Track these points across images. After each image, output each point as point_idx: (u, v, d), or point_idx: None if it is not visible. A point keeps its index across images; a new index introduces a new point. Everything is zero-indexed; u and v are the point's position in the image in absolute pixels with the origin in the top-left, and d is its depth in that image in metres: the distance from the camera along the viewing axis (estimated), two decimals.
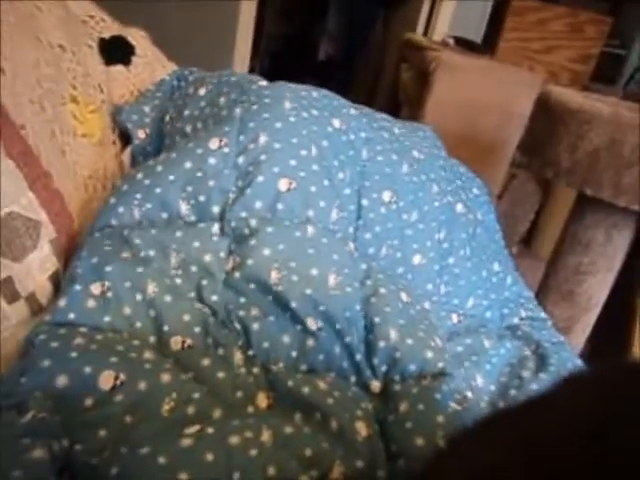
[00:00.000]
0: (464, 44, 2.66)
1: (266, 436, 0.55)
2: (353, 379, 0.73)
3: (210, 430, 0.53)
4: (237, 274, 0.77)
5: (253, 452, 0.52)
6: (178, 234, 0.79)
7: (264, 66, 3.52)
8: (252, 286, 0.76)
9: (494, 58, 2.67)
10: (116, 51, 1.21)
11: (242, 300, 0.75)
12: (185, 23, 2.45)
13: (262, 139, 0.89)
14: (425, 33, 2.84)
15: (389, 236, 0.93)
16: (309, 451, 0.56)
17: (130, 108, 1.09)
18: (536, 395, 0.39)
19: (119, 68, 1.21)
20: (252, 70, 3.06)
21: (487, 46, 2.73)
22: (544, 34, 2.71)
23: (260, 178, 0.86)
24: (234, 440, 0.53)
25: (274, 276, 0.76)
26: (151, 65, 1.29)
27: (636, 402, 0.29)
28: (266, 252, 0.78)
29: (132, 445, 0.51)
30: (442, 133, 2.24)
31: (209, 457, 0.50)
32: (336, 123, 0.98)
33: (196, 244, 0.78)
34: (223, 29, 2.58)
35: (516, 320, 1.04)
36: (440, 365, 0.74)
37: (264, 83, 1.02)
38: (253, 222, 0.82)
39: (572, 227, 1.56)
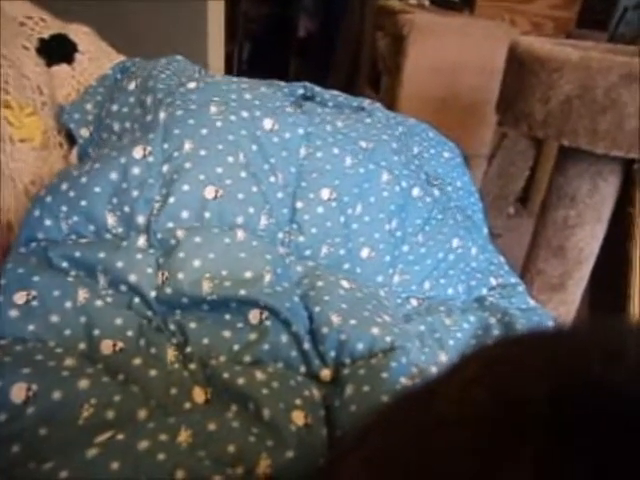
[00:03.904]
0: (440, 3, 2.58)
1: (183, 436, 0.53)
2: (302, 369, 0.72)
3: (120, 436, 0.51)
4: (168, 290, 0.75)
5: (161, 456, 0.50)
6: (101, 255, 0.76)
7: (244, 49, 3.46)
8: (185, 300, 0.75)
9: (473, 14, 2.58)
10: (57, 50, 1.17)
11: (177, 312, 0.75)
12: (153, 14, 2.40)
13: (187, 146, 0.87)
14: None
15: (329, 235, 0.90)
16: (232, 447, 0.54)
17: (72, 107, 1.06)
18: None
19: (62, 67, 1.18)
20: (230, 54, 3.01)
21: (465, 3, 2.64)
22: None
23: (185, 187, 0.84)
24: (143, 445, 0.50)
25: (206, 286, 0.75)
26: (97, 61, 1.25)
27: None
28: (196, 263, 0.77)
29: (39, 460, 0.49)
30: (422, 98, 2.20)
31: (115, 466, 0.48)
32: (267, 124, 0.95)
33: (119, 264, 0.76)
34: (193, 14, 2.53)
35: (485, 291, 1.01)
36: (388, 339, 0.71)
37: (192, 85, 0.98)
38: (179, 233, 0.80)
39: (557, 180, 1.51)
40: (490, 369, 0.29)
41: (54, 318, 0.68)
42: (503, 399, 0.26)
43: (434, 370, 0.76)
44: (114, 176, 0.83)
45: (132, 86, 1.01)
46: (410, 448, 0.28)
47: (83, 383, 0.58)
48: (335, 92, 1.22)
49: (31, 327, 0.66)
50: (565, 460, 0.22)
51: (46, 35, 1.17)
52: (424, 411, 0.29)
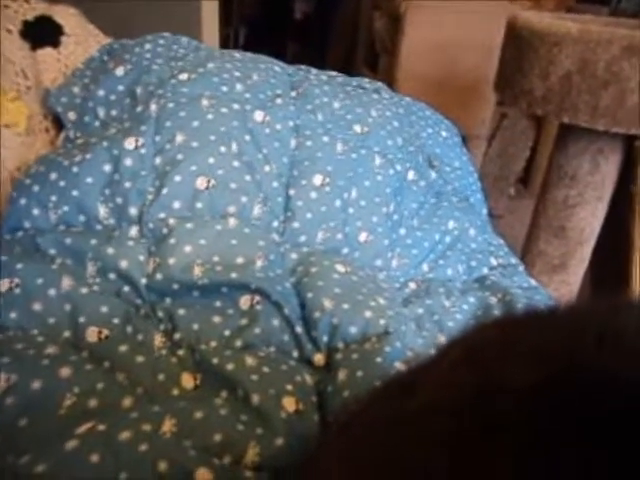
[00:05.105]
0: None
1: (168, 426, 0.51)
2: (295, 354, 0.70)
3: (101, 427, 0.49)
4: (159, 276, 0.74)
5: (143, 447, 0.48)
6: (93, 242, 0.76)
7: (240, 33, 3.41)
8: (176, 286, 0.74)
9: None
10: (42, 33, 1.14)
11: (167, 299, 0.74)
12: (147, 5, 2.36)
13: (179, 138, 0.88)
14: None
15: (325, 219, 0.90)
16: (219, 436, 0.52)
17: (58, 91, 1.03)
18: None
19: (48, 50, 1.15)
20: (226, 38, 2.96)
21: None
22: None
23: (177, 178, 0.84)
24: (124, 436, 0.49)
25: (197, 271, 0.74)
26: (84, 43, 1.22)
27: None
28: (187, 249, 0.76)
29: (18, 452, 0.48)
30: (420, 77, 2.16)
31: (94, 458, 0.46)
32: (258, 117, 0.95)
33: (110, 251, 0.75)
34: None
35: (485, 270, 1.00)
36: (382, 323, 0.70)
37: (184, 77, 0.97)
38: (171, 221, 0.80)
39: (557, 159, 1.48)
40: (478, 351, 0.27)
41: (37, 306, 0.66)
42: (489, 384, 0.24)
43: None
44: (107, 167, 0.83)
45: (120, 72, 0.99)
46: (392, 438, 0.26)
47: (65, 371, 0.56)
48: (333, 73, 1.20)
49: (13, 315, 0.64)
50: (547, 454, 0.20)
51: (30, 17, 1.14)
52: (407, 398, 0.27)
